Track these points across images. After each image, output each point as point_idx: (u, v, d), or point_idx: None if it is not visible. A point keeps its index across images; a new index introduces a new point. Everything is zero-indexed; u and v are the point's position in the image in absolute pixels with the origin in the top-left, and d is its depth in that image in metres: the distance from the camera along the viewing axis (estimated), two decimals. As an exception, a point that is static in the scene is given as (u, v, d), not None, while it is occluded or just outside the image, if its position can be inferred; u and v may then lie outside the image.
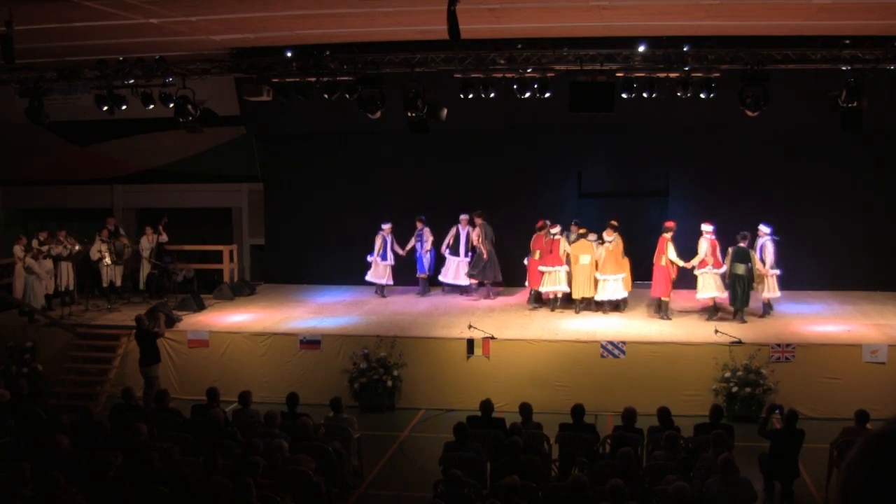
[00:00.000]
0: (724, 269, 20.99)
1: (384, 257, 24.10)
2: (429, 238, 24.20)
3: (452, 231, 23.86)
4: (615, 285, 21.64)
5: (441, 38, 14.13)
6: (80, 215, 27.32)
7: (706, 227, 21.27)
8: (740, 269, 20.71)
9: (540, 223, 22.48)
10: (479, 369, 19.44)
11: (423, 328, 20.71)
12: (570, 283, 21.92)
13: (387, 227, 24.09)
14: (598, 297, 21.82)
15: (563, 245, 21.81)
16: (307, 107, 21.32)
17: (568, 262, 21.88)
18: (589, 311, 21.84)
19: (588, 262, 21.62)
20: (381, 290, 24.46)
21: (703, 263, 21.09)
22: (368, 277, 24.36)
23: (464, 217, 23.68)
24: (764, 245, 21.06)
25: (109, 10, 14.83)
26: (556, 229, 21.95)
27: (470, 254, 23.57)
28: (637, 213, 24.07)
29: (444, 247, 23.95)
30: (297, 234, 26.50)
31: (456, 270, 23.93)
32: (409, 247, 24.29)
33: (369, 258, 24.21)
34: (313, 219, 26.17)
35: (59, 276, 23.11)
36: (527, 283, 22.88)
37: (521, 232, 22.72)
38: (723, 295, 21.07)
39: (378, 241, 24.05)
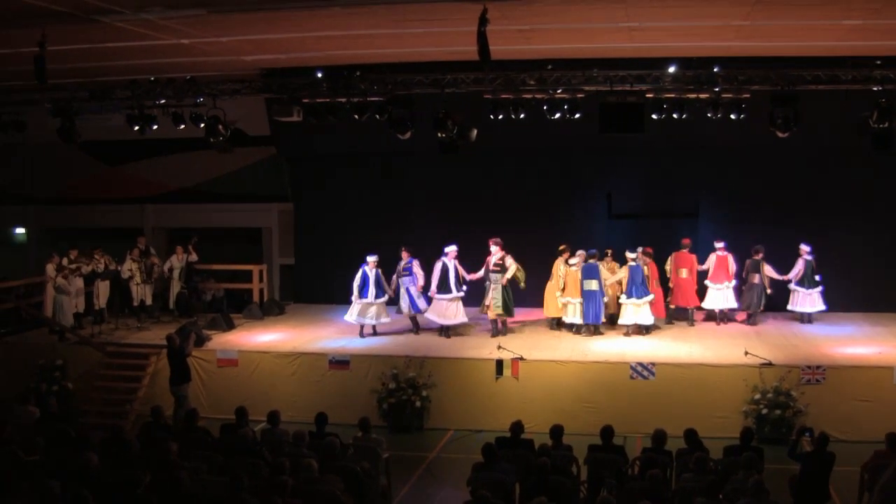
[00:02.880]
0: (734, 282, 22.76)
1: (364, 294, 21.89)
2: (420, 273, 22.31)
3: (438, 266, 22.09)
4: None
5: (471, 59, 14.12)
6: (112, 234, 27.44)
7: (718, 244, 22.88)
8: (754, 278, 22.51)
9: (687, 241, 22.85)
10: (508, 390, 19.41)
11: (451, 349, 20.71)
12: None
13: (372, 259, 22.12)
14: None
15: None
16: (337, 127, 21.36)
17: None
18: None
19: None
20: (362, 330, 22.28)
21: (714, 278, 22.89)
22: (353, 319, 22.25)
23: (452, 249, 22.20)
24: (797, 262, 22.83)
25: (141, 31, 14.91)
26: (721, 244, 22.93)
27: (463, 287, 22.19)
28: (667, 234, 23.94)
29: (433, 286, 22.19)
30: (326, 254, 26.54)
31: (456, 309, 22.04)
32: (392, 285, 22.38)
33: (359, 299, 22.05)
34: (343, 239, 26.17)
35: (93, 294, 23.17)
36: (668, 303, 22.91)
37: (550, 254, 22.57)
38: (728, 306, 23.04)
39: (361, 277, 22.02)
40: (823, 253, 23.38)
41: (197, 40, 16.20)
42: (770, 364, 18.61)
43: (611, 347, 20.65)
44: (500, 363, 19.49)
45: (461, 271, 22.15)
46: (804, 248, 22.69)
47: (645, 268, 21.69)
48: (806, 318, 22.89)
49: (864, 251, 23.78)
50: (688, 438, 14.13)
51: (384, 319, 22.36)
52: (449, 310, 21.98)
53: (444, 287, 21.92)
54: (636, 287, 21.60)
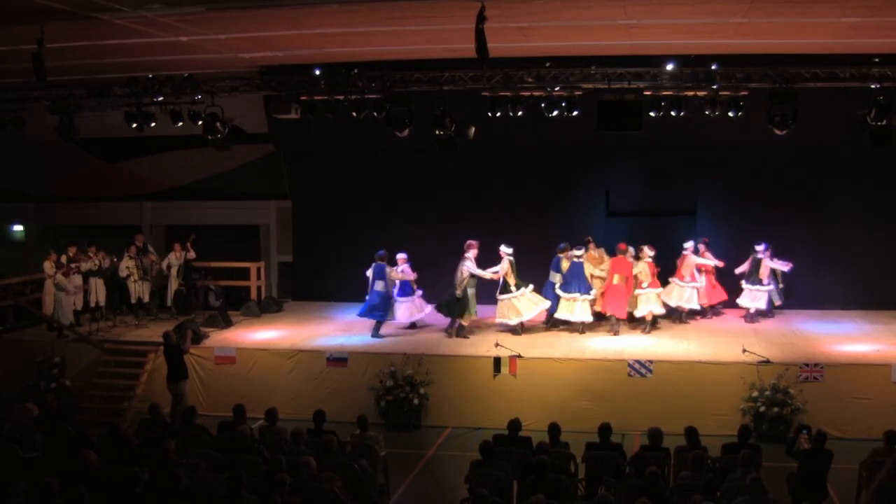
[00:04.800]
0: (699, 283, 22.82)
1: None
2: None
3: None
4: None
5: (469, 56, 14.14)
6: (110, 232, 27.45)
7: (688, 244, 22.79)
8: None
9: (623, 246, 22.27)
10: (505, 388, 19.42)
11: (449, 346, 20.72)
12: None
13: (401, 257, 22.58)
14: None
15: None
16: (335, 125, 21.36)
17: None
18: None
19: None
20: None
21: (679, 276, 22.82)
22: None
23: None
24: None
25: (140, 28, 14.92)
26: (653, 252, 22.14)
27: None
28: (665, 231, 23.97)
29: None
30: (324, 251, 26.53)
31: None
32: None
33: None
34: (341, 236, 26.17)
35: (89, 291, 23.19)
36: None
37: (548, 251, 22.55)
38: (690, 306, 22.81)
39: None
40: (821, 250, 23.50)
41: (195, 38, 16.21)
42: (768, 362, 18.63)
43: (609, 345, 20.67)
44: (497, 361, 19.49)
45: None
46: (758, 247, 22.67)
47: (644, 264, 21.82)
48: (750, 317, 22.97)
49: (863, 248, 23.80)
50: (688, 437, 14.14)
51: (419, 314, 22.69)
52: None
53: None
54: (575, 283, 21.69)
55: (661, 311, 22.05)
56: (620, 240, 22.35)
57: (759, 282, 22.51)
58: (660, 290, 22.10)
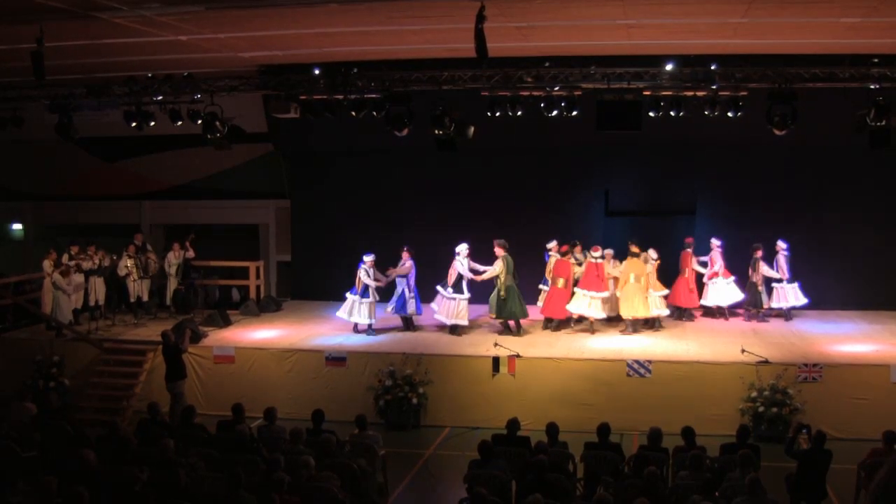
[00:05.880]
0: (732, 277, 23.06)
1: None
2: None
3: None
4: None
5: (469, 56, 14.12)
6: (109, 231, 27.43)
7: (715, 242, 22.96)
8: (753, 276, 22.85)
9: (564, 248, 22.27)
10: (504, 387, 19.41)
11: (448, 346, 20.70)
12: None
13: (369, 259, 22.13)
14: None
15: (608, 269, 21.96)
16: (335, 124, 21.36)
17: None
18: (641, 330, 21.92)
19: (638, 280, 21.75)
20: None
21: (713, 274, 23.01)
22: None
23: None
24: (777, 259, 22.78)
25: (139, 27, 14.91)
26: (598, 252, 21.87)
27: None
28: (665, 231, 23.96)
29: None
30: (323, 250, 26.52)
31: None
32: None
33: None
34: (340, 235, 26.15)
35: (89, 290, 23.16)
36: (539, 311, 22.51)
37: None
38: (728, 301, 23.17)
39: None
40: (820, 250, 23.50)
41: (194, 37, 16.20)
42: (767, 362, 18.62)
43: (608, 345, 20.66)
44: (496, 360, 19.49)
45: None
46: (781, 244, 22.75)
47: (585, 266, 22.11)
48: (788, 315, 22.99)
49: (862, 249, 23.79)
50: (685, 436, 14.13)
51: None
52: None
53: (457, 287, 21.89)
54: (545, 276, 22.42)
55: (599, 315, 21.87)
56: (621, 239, 22.38)
57: (792, 279, 22.72)
58: (604, 294, 21.83)
